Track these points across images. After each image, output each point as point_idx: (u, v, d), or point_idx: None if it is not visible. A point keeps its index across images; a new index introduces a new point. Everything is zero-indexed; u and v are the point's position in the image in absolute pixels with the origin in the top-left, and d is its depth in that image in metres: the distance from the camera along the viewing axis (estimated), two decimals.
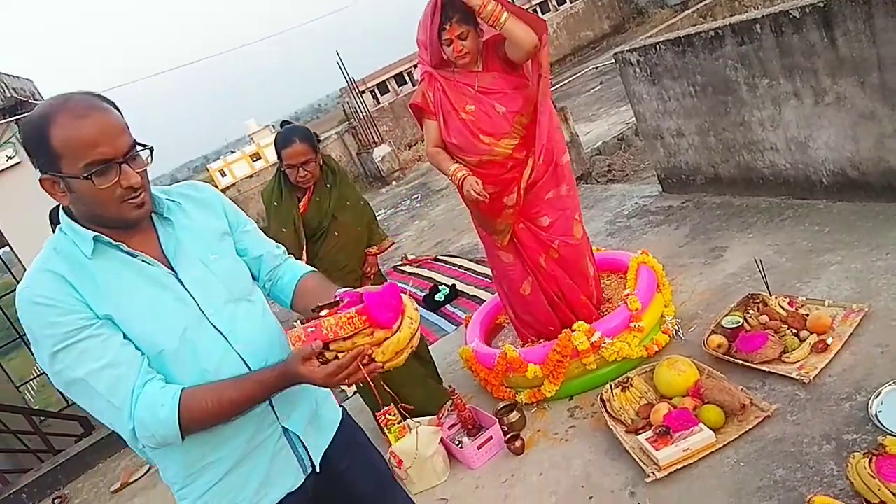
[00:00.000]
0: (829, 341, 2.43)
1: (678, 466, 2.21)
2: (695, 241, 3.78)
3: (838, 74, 3.12)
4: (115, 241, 1.28)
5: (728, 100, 3.73)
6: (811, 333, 2.51)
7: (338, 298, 1.33)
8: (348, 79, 10.29)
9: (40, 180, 1.22)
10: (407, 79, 40.77)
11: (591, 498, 2.33)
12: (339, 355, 1.22)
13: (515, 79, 2.75)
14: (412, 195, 8.78)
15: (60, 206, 1.30)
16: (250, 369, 1.35)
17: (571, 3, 29.38)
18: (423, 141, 3.09)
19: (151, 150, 1.31)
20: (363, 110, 10.61)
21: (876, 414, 2.07)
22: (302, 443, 1.45)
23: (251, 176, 11.54)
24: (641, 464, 2.28)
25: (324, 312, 1.28)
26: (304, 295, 1.54)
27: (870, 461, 1.83)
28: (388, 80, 44.16)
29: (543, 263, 2.94)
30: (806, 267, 3.02)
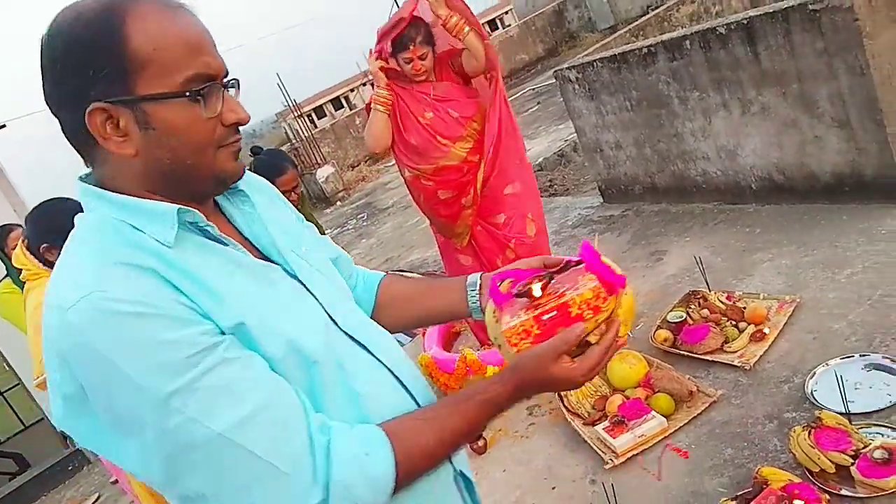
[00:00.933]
0: (765, 331, 2.62)
1: (634, 452, 2.33)
2: (636, 247, 3.97)
3: (762, 86, 3.37)
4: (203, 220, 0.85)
5: (662, 113, 3.96)
6: (749, 324, 2.69)
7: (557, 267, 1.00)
8: (290, 101, 10.29)
9: (90, 113, 0.77)
10: (344, 103, 40.81)
11: (553, 488, 2.42)
12: (591, 339, 0.92)
13: (467, 89, 2.91)
14: (358, 214, 8.81)
15: (82, 183, 0.85)
16: (408, 390, 0.96)
17: (506, 27, 30.19)
18: (365, 161, 3.21)
19: (238, 84, 0.89)
20: (305, 132, 10.61)
21: (812, 392, 2.25)
22: (471, 488, 1.04)
23: None
24: (600, 452, 2.39)
25: (536, 288, 0.93)
26: (394, 303, 1.23)
27: (809, 433, 1.99)
28: (324, 104, 44.06)
29: (500, 264, 3.05)
30: (740, 265, 3.23)
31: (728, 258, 3.35)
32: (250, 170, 2.59)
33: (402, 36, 2.79)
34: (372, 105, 2.92)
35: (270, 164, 2.89)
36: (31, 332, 2.11)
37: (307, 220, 3.23)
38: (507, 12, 49.24)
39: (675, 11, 4.95)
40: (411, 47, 2.78)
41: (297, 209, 3.16)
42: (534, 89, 12.70)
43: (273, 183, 3.01)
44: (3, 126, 7.77)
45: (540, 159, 7.38)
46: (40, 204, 2.11)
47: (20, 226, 3.60)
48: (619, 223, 4.43)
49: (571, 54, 13.63)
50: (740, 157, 3.69)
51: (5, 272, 3.57)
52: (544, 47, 15.27)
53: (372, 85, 3.03)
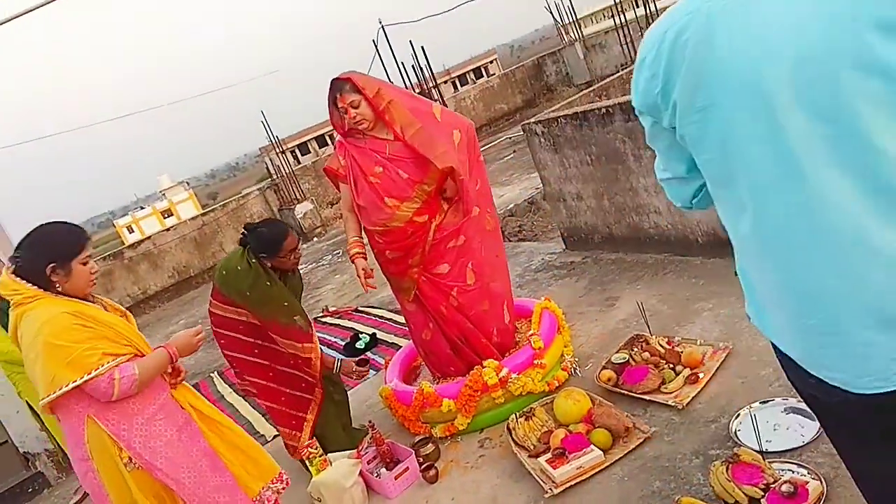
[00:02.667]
0: (700, 374, 2.83)
1: (573, 482, 2.50)
2: (592, 292, 4.20)
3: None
4: None
5: (619, 168, 4.24)
6: (685, 367, 2.90)
7: None
8: (272, 137, 10.53)
9: None
10: (328, 140, 41.33)
11: None
12: None
13: (421, 155, 3.07)
14: (333, 251, 8.98)
15: None
16: None
17: (488, 77, 31.04)
18: None
19: None
20: (286, 168, 10.83)
21: (735, 432, 2.45)
22: None
23: (167, 230, 11.41)
24: (541, 482, 2.56)
25: None
26: None
27: (727, 468, 2.19)
28: (309, 141, 44.62)
29: (444, 311, 3.23)
30: (684, 313, 3.47)
31: (673, 306, 3.59)
32: (252, 245, 2.75)
33: (331, 90, 3.05)
34: (356, 268, 3.24)
35: (273, 233, 3.03)
36: (40, 352, 2.05)
37: (297, 281, 3.33)
38: (491, 61, 50.64)
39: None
40: (339, 95, 3.02)
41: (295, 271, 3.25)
42: (510, 138, 13.10)
43: (279, 249, 3.17)
44: None
45: (511, 205, 7.65)
46: (41, 227, 2.20)
47: None
48: (578, 269, 4.66)
49: (549, 106, 14.09)
50: (688, 213, 3.96)
51: None
52: (523, 98, 15.76)
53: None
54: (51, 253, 2.12)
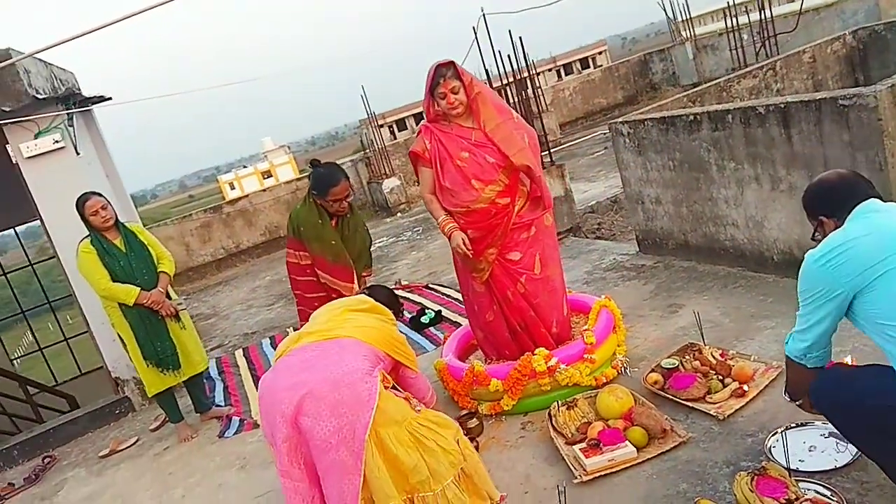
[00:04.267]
0: (746, 388, 2.85)
1: (602, 473, 2.61)
2: (657, 297, 4.21)
3: (791, 166, 3.60)
4: None
5: (700, 177, 4.21)
6: (734, 381, 2.92)
7: None
8: (369, 111, 10.87)
9: None
10: (425, 118, 41.82)
11: (526, 493, 2.72)
12: None
13: (505, 139, 3.23)
14: (414, 227, 9.25)
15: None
16: None
17: (597, 67, 30.37)
18: None
19: None
20: (379, 143, 11.16)
21: (770, 448, 2.48)
22: None
23: (263, 191, 12.04)
24: (572, 468, 2.68)
25: None
26: None
27: (752, 479, 2.24)
28: (407, 117, 45.29)
29: (511, 296, 3.37)
30: (745, 328, 3.45)
31: (736, 320, 3.57)
32: (310, 182, 3.19)
33: (434, 75, 3.18)
34: (452, 243, 3.29)
35: (331, 175, 3.36)
36: None
37: (356, 226, 3.77)
38: (600, 53, 49.43)
39: (735, 83, 5.18)
40: (441, 81, 3.17)
41: (347, 217, 3.71)
42: (604, 134, 12.95)
43: (327, 192, 3.58)
44: (110, 98, 8.56)
45: (593, 202, 7.65)
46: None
47: (97, 194, 4.14)
48: (648, 273, 4.67)
49: (650, 104, 13.76)
50: (766, 229, 3.91)
51: (85, 234, 4.10)
52: (624, 94, 15.48)
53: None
54: (394, 307, 2.87)
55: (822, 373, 2.08)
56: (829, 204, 2.02)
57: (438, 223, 3.35)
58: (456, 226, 3.27)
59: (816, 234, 2.11)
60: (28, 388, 7.49)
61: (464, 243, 3.22)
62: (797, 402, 2.27)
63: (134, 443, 4.67)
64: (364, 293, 2.90)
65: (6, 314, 10.61)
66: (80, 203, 4.05)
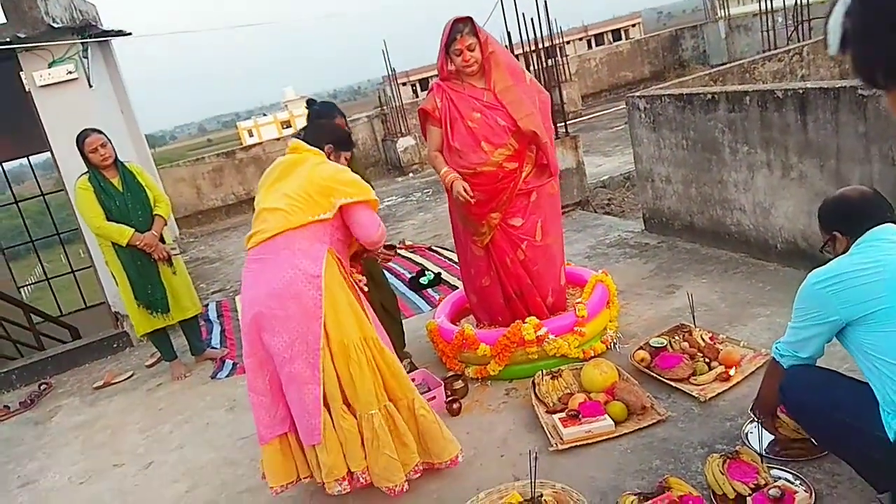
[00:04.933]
0: (731, 373, 2.84)
1: (578, 444, 2.63)
2: (656, 277, 4.19)
3: (804, 155, 3.53)
4: None
5: (713, 158, 4.14)
6: (720, 365, 2.92)
7: None
8: (389, 68, 10.74)
9: None
10: (439, 75, 41.29)
11: (502, 456, 2.75)
12: None
13: (516, 100, 3.19)
14: (424, 189, 9.21)
15: None
16: None
17: (629, 38, 29.69)
18: None
19: None
20: (397, 101, 11.05)
21: (746, 433, 2.48)
22: None
23: (278, 139, 11.99)
24: (549, 436, 2.70)
25: None
26: None
27: (724, 462, 2.24)
28: (431, 76, 44.78)
29: (509, 262, 3.36)
30: (739, 314, 3.43)
31: (732, 305, 3.55)
32: (306, 119, 3.02)
33: (450, 31, 3.11)
34: (454, 190, 3.20)
35: (321, 113, 3.32)
36: (348, 178, 2.58)
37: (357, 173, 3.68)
38: (634, 25, 48.36)
39: (760, 66, 5.06)
40: (458, 38, 3.10)
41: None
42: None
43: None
44: (130, 34, 8.50)
45: (605, 177, 7.57)
46: (328, 120, 3.14)
47: (97, 131, 4.12)
48: (651, 252, 4.64)
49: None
50: (772, 217, 3.86)
51: (84, 170, 4.10)
52: (651, 69, 15.18)
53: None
54: (331, 138, 2.79)
55: (797, 370, 2.08)
56: (846, 221, 1.98)
57: (440, 175, 3.29)
58: (458, 176, 3.20)
59: (826, 248, 2.08)
60: (32, 316, 7.62)
61: (465, 191, 3.16)
62: (760, 420, 2.33)
63: (128, 377, 4.76)
64: (298, 136, 2.83)
65: (18, 243, 10.73)
66: (80, 139, 4.05)
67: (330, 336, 2.41)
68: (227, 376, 4.31)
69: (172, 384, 4.43)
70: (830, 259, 2.00)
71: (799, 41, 8.64)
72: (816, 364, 2.09)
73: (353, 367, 2.43)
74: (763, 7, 9.56)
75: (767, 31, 9.88)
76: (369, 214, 2.57)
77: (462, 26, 3.13)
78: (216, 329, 5.27)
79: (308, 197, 2.49)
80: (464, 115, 3.22)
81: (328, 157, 2.70)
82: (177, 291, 4.29)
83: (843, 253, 1.96)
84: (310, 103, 3.58)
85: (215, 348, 4.80)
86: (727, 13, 13.81)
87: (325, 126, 2.90)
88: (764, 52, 10.07)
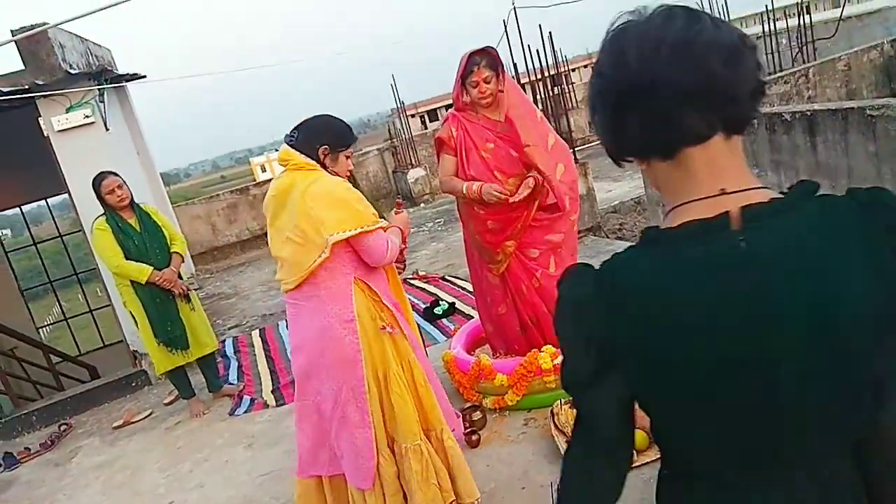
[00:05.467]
0: None
1: None
2: None
3: (815, 176, 3.53)
4: None
5: None
6: None
7: None
8: (398, 101, 10.89)
9: None
10: (454, 106, 41.70)
11: (523, 488, 2.73)
12: None
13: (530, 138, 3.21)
14: (436, 219, 9.26)
15: None
16: None
17: None
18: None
19: None
20: (406, 133, 11.18)
21: None
22: None
23: None
24: None
25: None
26: None
27: None
28: (439, 108, 45.27)
29: (525, 290, 3.37)
30: None
31: None
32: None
33: (467, 63, 3.16)
34: (484, 193, 3.15)
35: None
36: (332, 202, 2.30)
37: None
38: None
39: (767, 88, 5.09)
40: (475, 70, 3.14)
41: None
42: None
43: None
44: (144, 77, 8.69)
45: (617, 202, 7.59)
46: (320, 116, 2.52)
47: (113, 173, 4.20)
48: None
49: None
50: None
51: (101, 212, 4.17)
52: None
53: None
54: (325, 137, 2.42)
55: None
56: None
57: (464, 190, 3.22)
58: (482, 182, 3.18)
59: None
60: (51, 356, 7.68)
61: (499, 191, 3.12)
62: None
63: (147, 415, 4.78)
64: (289, 141, 2.45)
65: (36, 283, 10.87)
66: (97, 182, 4.14)
67: (370, 373, 2.38)
68: (246, 412, 4.32)
69: (191, 422, 4.44)
70: None
71: (804, 62, 8.68)
72: None
73: (396, 398, 2.40)
74: (767, 29, 9.63)
75: (771, 53, 9.95)
76: (373, 238, 2.34)
77: (479, 59, 3.17)
78: (233, 365, 5.30)
79: (304, 236, 2.30)
80: (478, 146, 3.27)
81: (325, 164, 2.40)
82: (195, 327, 4.33)
83: None
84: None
85: (232, 384, 4.82)
86: None
87: (317, 124, 2.47)
88: (769, 73, 10.12)
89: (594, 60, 0.87)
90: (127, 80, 8.17)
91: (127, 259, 4.07)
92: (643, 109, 0.78)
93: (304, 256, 2.31)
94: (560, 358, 3.03)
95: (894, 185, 3.15)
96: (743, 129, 0.81)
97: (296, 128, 2.47)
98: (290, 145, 2.41)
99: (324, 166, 2.40)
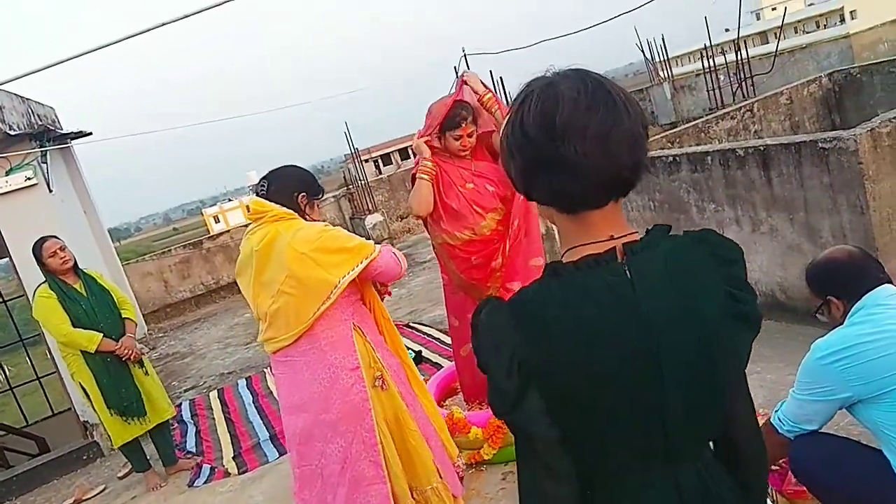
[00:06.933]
0: None
1: None
2: None
3: (772, 209, 3.58)
4: None
5: (680, 217, 4.19)
6: None
7: None
8: (352, 147, 10.88)
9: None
10: (411, 154, 42.14)
11: None
12: None
13: (500, 169, 3.22)
14: None
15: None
16: None
17: None
18: (414, 215, 3.48)
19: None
20: (362, 178, 11.14)
21: None
22: None
23: (245, 225, 11.93)
24: None
25: None
26: None
27: None
28: (392, 152, 45.65)
29: None
30: None
31: None
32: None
33: (453, 115, 3.13)
34: (417, 174, 3.23)
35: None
36: (327, 245, 2.22)
37: None
38: None
39: (714, 125, 5.22)
40: (462, 125, 3.14)
41: None
42: None
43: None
44: (90, 134, 8.47)
45: None
46: (287, 167, 2.48)
47: (54, 236, 4.01)
48: None
49: None
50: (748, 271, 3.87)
51: (43, 279, 3.96)
52: None
53: (414, 155, 3.36)
54: (301, 185, 2.37)
55: (805, 440, 2.01)
56: (839, 285, 1.93)
57: (418, 167, 3.23)
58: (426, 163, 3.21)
59: (821, 312, 2.02)
60: None
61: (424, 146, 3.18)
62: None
63: (100, 491, 4.48)
64: (260, 192, 2.38)
65: None
66: (37, 247, 3.93)
67: (380, 421, 2.26)
68: (206, 483, 4.08)
69: (147, 496, 4.17)
70: (825, 322, 1.98)
71: (744, 97, 9.00)
72: (823, 431, 2.03)
73: (409, 436, 2.31)
74: (706, 66, 9.99)
75: (712, 89, 10.30)
76: (380, 260, 2.26)
77: (465, 112, 3.16)
78: (191, 430, 5.04)
79: (300, 286, 2.18)
80: (456, 184, 3.25)
81: (303, 212, 2.34)
82: (150, 393, 4.10)
83: (841, 316, 1.91)
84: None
85: (192, 452, 4.57)
86: (670, 74, 14.42)
87: (289, 172, 2.42)
88: (710, 110, 10.48)
89: (516, 108, 0.97)
90: (72, 139, 7.96)
91: (75, 327, 3.85)
92: (557, 176, 0.92)
93: (303, 307, 2.21)
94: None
95: (851, 214, 3.21)
96: (628, 193, 0.98)
97: (264, 179, 2.40)
98: (264, 197, 2.33)
99: (302, 214, 2.33)
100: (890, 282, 1.93)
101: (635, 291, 0.93)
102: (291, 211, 2.30)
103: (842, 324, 1.92)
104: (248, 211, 2.36)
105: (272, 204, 2.29)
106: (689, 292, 0.96)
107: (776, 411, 2.11)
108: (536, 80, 0.97)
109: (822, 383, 1.86)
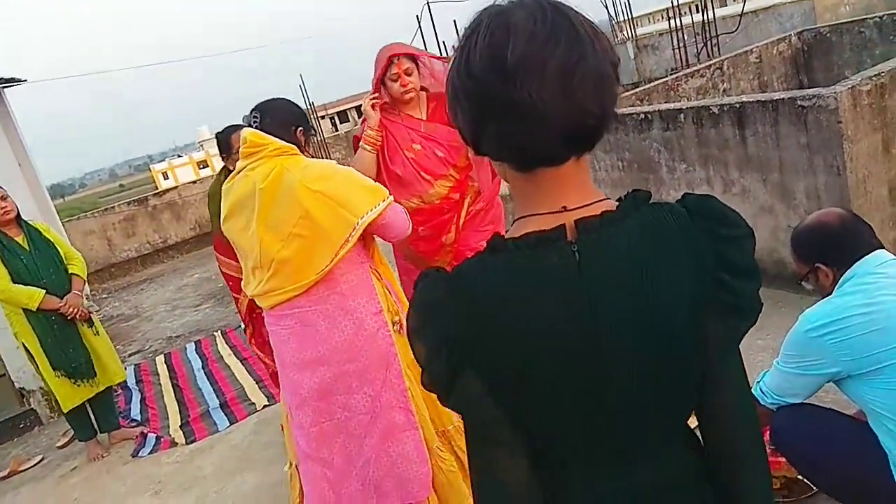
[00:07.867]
0: None
1: None
2: None
3: (745, 169, 3.47)
4: None
5: (650, 178, 4.06)
6: None
7: None
8: (308, 102, 10.47)
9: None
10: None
11: None
12: None
13: (455, 134, 3.00)
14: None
15: None
16: None
17: None
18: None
19: None
20: (319, 135, 10.76)
21: None
22: None
23: (193, 182, 11.45)
24: None
25: None
26: None
27: None
28: (349, 109, 44.59)
29: None
30: None
31: None
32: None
33: (387, 57, 2.90)
34: (361, 144, 2.99)
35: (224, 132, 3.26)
36: (345, 177, 2.05)
37: None
38: None
39: (683, 83, 5.07)
40: (395, 61, 2.89)
41: None
42: None
43: (228, 146, 3.15)
44: (25, 81, 7.92)
45: None
46: (276, 99, 2.26)
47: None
48: None
49: None
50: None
51: None
52: None
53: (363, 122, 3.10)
54: (298, 118, 2.22)
55: (787, 412, 1.91)
56: (830, 251, 1.80)
57: (363, 136, 2.95)
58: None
59: (807, 280, 1.90)
60: None
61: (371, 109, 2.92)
62: None
63: (37, 462, 4.23)
64: (253, 124, 2.15)
65: None
66: None
67: (404, 365, 2.10)
68: (151, 452, 3.86)
69: (89, 466, 3.94)
70: (810, 290, 1.86)
71: (709, 57, 8.90)
72: (807, 402, 1.93)
73: None
74: (672, 25, 9.83)
75: (677, 48, 10.17)
76: (392, 210, 2.05)
77: (399, 49, 2.93)
78: (136, 397, 4.78)
79: (319, 227, 1.95)
80: (402, 147, 3.01)
81: (303, 147, 2.15)
82: (100, 354, 3.84)
83: (830, 285, 1.79)
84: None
85: (135, 420, 4.34)
86: (634, 33, 14.25)
87: (283, 104, 2.23)
88: (673, 70, 10.38)
89: (462, 43, 0.80)
90: (3, 86, 7.41)
91: (16, 282, 3.54)
92: (508, 123, 0.77)
93: (318, 251, 1.97)
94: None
95: (827, 175, 3.11)
96: (593, 148, 0.82)
97: (255, 110, 2.18)
98: (261, 129, 2.08)
99: (302, 150, 2.13)
100: (882, 246, 1.81)
101: (581, 277, 0.79)
102: (292, 145, 2.07)
103: (830, 293, 1.81)
104: (244, 143, 2.03)
105: (272, 137, 2.04)
106: (657, 279, 0.80)
107: (758, 382, 2.00)
108: (487, 8, 0.80)
109: (810, 357, 1.75)
